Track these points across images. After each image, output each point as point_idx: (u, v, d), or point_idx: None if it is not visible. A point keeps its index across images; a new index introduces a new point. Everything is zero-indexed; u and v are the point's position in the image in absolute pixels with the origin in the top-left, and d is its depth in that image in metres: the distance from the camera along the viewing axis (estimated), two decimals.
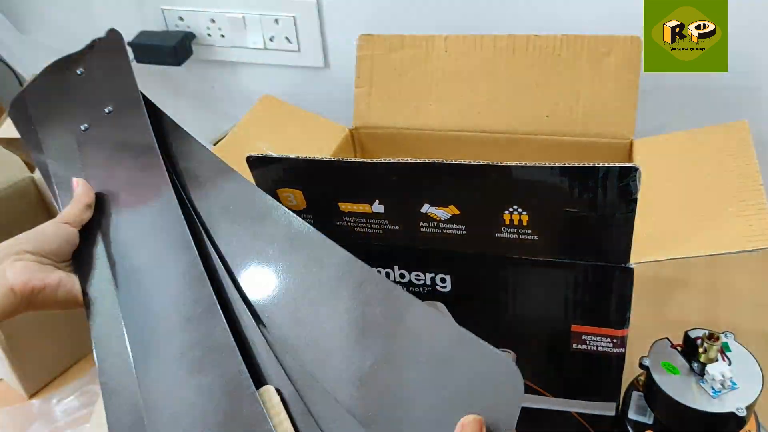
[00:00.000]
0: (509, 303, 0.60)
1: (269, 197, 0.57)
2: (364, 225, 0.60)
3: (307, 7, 0.97)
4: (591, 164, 0.53)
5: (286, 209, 0.55)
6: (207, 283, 0.52)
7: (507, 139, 0.74)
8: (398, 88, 0.76)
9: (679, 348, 0.63)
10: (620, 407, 0.66)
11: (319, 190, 0.60)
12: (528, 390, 0.66)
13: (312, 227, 0.54)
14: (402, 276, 0.61)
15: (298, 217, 0.54)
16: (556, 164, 0.53)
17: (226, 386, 0.47)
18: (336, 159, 0.58)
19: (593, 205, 0.53)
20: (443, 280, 0.60)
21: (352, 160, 0.58)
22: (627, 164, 0.53)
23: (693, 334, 0.62)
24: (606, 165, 0.52)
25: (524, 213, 0.55)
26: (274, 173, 0.60)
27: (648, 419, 0.64)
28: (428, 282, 0.61)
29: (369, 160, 0.56)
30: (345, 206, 0.59)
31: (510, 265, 0.58)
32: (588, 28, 0.72)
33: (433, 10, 0.91)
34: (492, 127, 0.74)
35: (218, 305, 0.51)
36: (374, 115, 0.77)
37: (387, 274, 0.62)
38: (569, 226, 0.55)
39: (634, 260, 0.56)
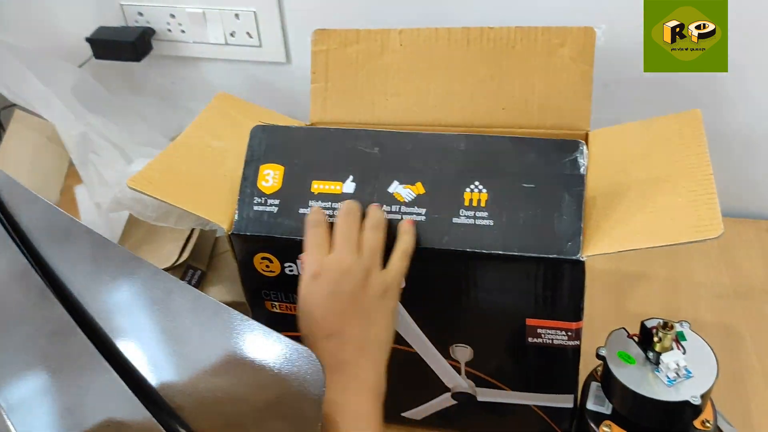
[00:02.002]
0: (464, 299, 0.60)
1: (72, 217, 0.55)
2: (327, 213, 0.60)
3: (267, 1, 0.96)
4: (543, 138, 0.59)
5: (88, 227, 0.53)
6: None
7: (464, 132, 0.73)
8: (354, 83, 0.76)
9: (635, 338, 0.63)
10: (579, 398, 0.67)
11: (299, 165, 0.62)
12: (487, 384, 0.66)
13: (115, 243, 0.54)
14: None
15: (101, 235, 0.53)
16: (516, 137, 0.59)
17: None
18: (334, 128, 0.63)
19: (546, 180, 0.57)
20: None
21: (346, 129, 0.63)
22: (571, 139, 0.58)
23: (649, 324, 0.63)
24: (554, 139, 0.58)
25: (484, 191, 0.58)
26: (264, 144, 0.64)
27: (606, 410, 0.64)
28: None
29: (357, 128, 0.63)
30: (318, 185, 0.61)
31: (464, 260, 0.57)
32: (544, 20, 0.72)
33: (394, 3, 0.90)
34: (448, 121, 0.74)
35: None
36: (331, 110, 0.76)
37: None
38: (524, 207, 0.57)
39: (586, 253, 0.56)
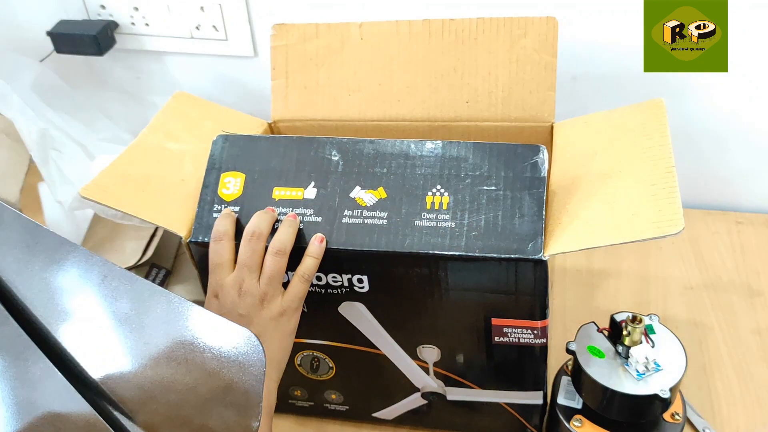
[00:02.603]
0: (429, 301, 0.59)
1: (2, 203, 0.54)
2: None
3: None
4: (504, 144, 0.59)
5: (18, 213, 0.51)
6: None
7: (427, 126, 0.72)
8: (315, 78, 0.74)
9: (605, 332, 0.63)
10: (550, 393, 0.66)
11: (260, 173, 0.61)
12: (456, 383, 0.66)
13: (47, 228, 0.52)
14: (319, 279, 0.60)
15: (32, 220, 0.51)
16: (477, 142, 0.59)
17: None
18: (297, 136, 0.63)
19: (507, 184, 0.57)
20: (360, 281, 0.59)
21: (309, 137, 0.63)
22: (532, 144, 0.59)
23: (618, 318, 0.62)
24: (515, 144, 0.59)
25: (446, 194, 0.57)
26: (226, 153, 0.63)
27: (577, 404, 0.64)
28: (345, 283, 0.59)
29: (317, 136, 0.62)
30: (279, 192, 0.60)
31: (427, 262, 0.57)
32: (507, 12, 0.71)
33: None
34: (412, 115, 0.72)
35: None
36: (292, 107, 0.75)
37: None
38: (485, 210, 0.56)
39: (547, 252, 0.55)
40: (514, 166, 0.58)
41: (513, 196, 0.57)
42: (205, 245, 0.60)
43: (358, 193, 0.59)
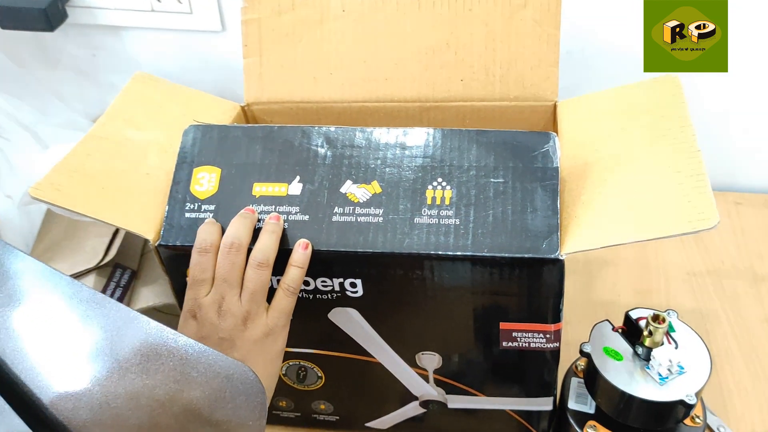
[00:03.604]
0: (430, 304, 0.53)
1: None
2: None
3: None
4: (511, 131, 0.53)
5: None
6: None
7: (419, 108, 0.66)
8: (292, 56, 0.67)
9: (620, 330, 0.58)
10: (559, 397, 0.61)
11: (238, 167, 0.55)
12: (458, 391, 0.60)
13: None
14: (307, 283, 0.53)
15: None
16: (481, 129, 0.53)
17: None
18: (278, 125, 0.56)
19: (516, 175, 0.51)
20: (353, 285, 0.53)
21: (292, 126, 0.56)
22: (542, 131, 0.53)
23: (634, 315, 0.57)
24: (523, 131, 0.53)
25: (449, 188, 0.52)
26: (199, 145, 0.56)
27: (589, 408, 0.59)
28: (337, 288, 0.53)
29: (301, 125, 0.56)
30: (260, 187, 0.54)
31: (428, 264, 0.51)
32: None
33: None
34: (401, 96, 0.66)
35: None
36: (268, 88, 0.67)
37: None
38: (493, 204, 0.51)
39: (564, 250, 0.49)
40: (523, 155, 0.52)
41: (523, 188, 0.51)
42: (177, 249, 0.53)
43: (349, 188, 0.53)
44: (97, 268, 0.66)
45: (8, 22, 0.92)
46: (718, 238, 0.85)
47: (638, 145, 0.55)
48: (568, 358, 0.61)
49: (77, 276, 0.66)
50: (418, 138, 0.54)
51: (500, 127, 0.65)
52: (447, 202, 0.51)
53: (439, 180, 0.52)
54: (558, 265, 0.49)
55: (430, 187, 0.52)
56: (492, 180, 0.52)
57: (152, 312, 0.67)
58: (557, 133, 0.61)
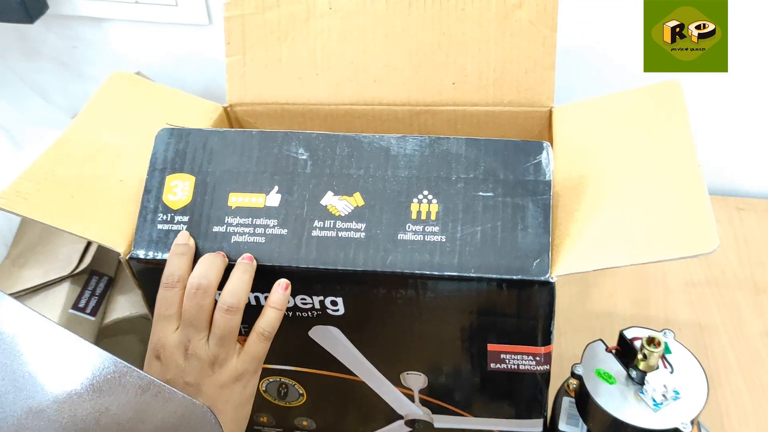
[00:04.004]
0: (415, 324, 0.51)
1: None
2: (246, 231, 0.50)
3: None
4: (501, 140, 0.50)
5: None
6: None
7: (408, 111, 0.63)
8: (277, 55, 0.64)
9: (614, 351, 0.55)
10: (549, 417, 0.59)
11: (213, 175, 0.52)
12: (444, 411, 0.58)
13: None
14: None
15: None
16: (471, 138, 0.50)
17: None
18: (256, 130, 0.53)
19: (506, 188, 0.48)
20: (334, 303, 0.50)
21: (270, 131, 0.53)
22: (534, 141, 0.49)
23: (629, 334, 0.55)
24: (515, 140, 0.50)
25: (435, 201, 0.49)
26: (172, 150, 0.53)
27: (581, 430, 0.57)
28: (317, 306, 0.50)
29: (281, 131, 0.52)
30: (236, 198, 0.51)
31: (412, 283, 0.48)
32: None
33: None
34: (390, 99, 0.63)
35: None
36: (251, 89, 0.65)
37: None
38: (481, 220, 0.48)
39: (555, 272, 0.46)
40: (515, 166, 0.49)
41: (514, 203, 0.48)
42: (149, 262, 0.51)
43: (330, 200, 0.50)
44: (72, 276, 0.64)
45: None
46: (719, 246, 0.82)
47: (636, 157, 0.52)
48: (560, 371, 0.58)
49: (51, 284, 0.63)
50: (404, 146, 0.51)
51: (493, 133, 0.63)
52: (433, 217, 0.49)
53: (425, 193, 0.49)
54: (548, 287, 0.46)
55: (415, 200, 0.49)
56: (481, 194, 0.49)
57: (130, 321, 0.65)
58: (552, 140, 0.59)
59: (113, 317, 0.64)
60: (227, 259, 0.49)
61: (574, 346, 0.67)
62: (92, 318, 0.63)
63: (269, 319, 0.48)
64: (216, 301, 0.48)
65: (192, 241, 0.50)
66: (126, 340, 0.66)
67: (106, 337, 0.64)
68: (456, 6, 0.61)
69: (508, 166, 0.49)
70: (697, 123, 0.52)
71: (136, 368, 0.39)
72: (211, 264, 0.48)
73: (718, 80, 0.79)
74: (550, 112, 0.61)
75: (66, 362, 0.40)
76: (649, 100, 0.56)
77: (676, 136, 0.52)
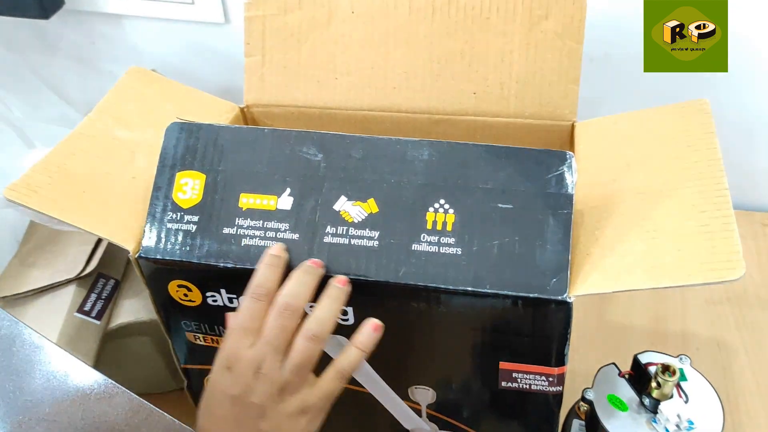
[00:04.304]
0: (426, 338, 0.50)
1: None
2: (257, 234, 0.49)
3: None
4: (524, 148, 0.48)
5: None
6: None
7: (427, 120, 0.62)
8: (297, 57, 0.63)
9: (627, 376, 0.54)
10: None
11: (224, 173, 0.50)
12: (452, 428, 0.56)
13: None
14: None
15: None
16: (491, 145, 0.48)
17: None
18: (269, 128, 0.52)
19: (526, 200, 0.47)
20: (344, 313, 0.49)
21: (284, 129, 0.51)
22: (558, 150, 0.48)
23: (644, 359, 0.53)
24: (537, 150, 0.48)
25: (451, 211, 0.47)
26: (182, 147, 0.51)
27: None
28: None
29: (294, 130, 0.51)
30: (247, 199, 0.49)
31: (425, 296, 0.47)
32: None
33: None
34: (409, 106, 0.62)
35: None
36: (269, 90, 0.64)
37: None
38: (499, 233, 0.46)
39: (573, 291, 0.45)
40: (536, 177, 0.48)
41: (533, 216, 0.47)
42: (158, 262, 0.50)
43: (343, 206, 0.49)
44: (78, 279, 0.63)
45: (2, 9, 0.88)
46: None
47: (661, 178, 0.51)
48: (573, 387, 0.56)
49: (57, 286, 0.62)
50: (421, 151, 0.49)
51: (513, 146, 0.62)
52: (449, 227, 0.47)
53: (442, 202, 0.48)
54: (565, 307, 0.45)
55: (431, 209, 0.48)
56: (499, 205, 0.47)
57: (139, 324, 0.64)
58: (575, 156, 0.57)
59: (119, 321, 0.63)
60: (323, 270, 0.47)
61: (588, 361, 0.66)
62: (97, 322, 0.62)
63: (351, 359, 0.46)
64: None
65: (286, 254, 0.47)
66: (136, 342, 0.65)
67: (113, 339, 0.63)
68: (480, 15, 0.59)
69: (529, 176, 0.48)
70: (723, 136, 0.51)
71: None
72: (302, 283, 0.46)
73: (745, 91, 0.78)
74: (573, 126, 0.59)
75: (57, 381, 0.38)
76: (676, 119, 0.55)
77: (703, 158, 0.51)
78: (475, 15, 0.59)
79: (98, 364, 0.62)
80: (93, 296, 0.63)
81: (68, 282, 0.63)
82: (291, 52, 0.63)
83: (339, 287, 0.46)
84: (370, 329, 0.46)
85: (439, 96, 0.61)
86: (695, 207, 0.47)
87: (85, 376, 0.40)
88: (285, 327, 0.45)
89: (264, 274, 0.47)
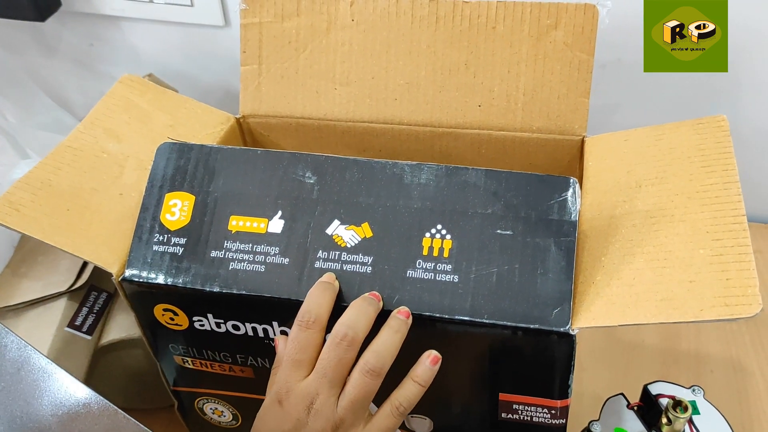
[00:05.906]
0: None
1: None
2: (245, 258, 0.47)
3: None
4: (525, 173, 0.46)
5: None
6: None
7: (430, 133, 0.59)
8: (294, 66, 0.60)
9: (636, 407, 0.51)
10: None
11: (214, 195, 0.49)
12: None
13: None
14: (285, 333, 0.47)
15: None
16: (490, 170, 0.46)
17: None
18: (261, 150, 0.50)
19: (527, 227, 0.44)
20: None
21: (276, 151, 0.50)
22: (561, 176, 0.46)
23: (654, 390, 0.50)
24: (539, 174, 0.46)
25: (449, 237, 0.45)
26: (172, 167, 0.50)
27: None
28: None
29: (288, 151, 0.50)
30: (237, 222, 0.47)
31: (421, 324, 0.44)
32: None
33: None
34: (411, 118, 0.59)
35: None
36: (266, 100, 0.61)
37: (265, 331, 0.48)
38: (498, 261, 0.44)
39: (576, 324, 0.42)
40: (537, 203, 0.45)
41: (534, 244, 0.44)
42: (142, 285, 0.48)
43: (336, 230, 0.46)
44: (70, 292, 0.61)
45: None
46: (761, 279, 0.77)
47: (674, 200, 0.48)
48: (581, 410, 0.54)
49: (48, 299, 0.61)
50: (419, 175, 0.47)
51: (519, 161, 0.59)
52: (446, 254, 0.45)
53: (439, 227, 0.46)
54: (568, 339, 0.43)
55: (427, 234, 0.46)
56: (499, 231, 0.45)
57: (129, 341, 0.62)
58: (583, 173, 0.55)
59: (110, 337, 0.61)
60: (381, 303, 0.44)
61: (596, 382, 0.63)
62: (88, 337, 0.60)
63: (408, 394, 0.43)
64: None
65: (337, 283, 0.45)
66: (129, 356, 0.63)
67: (105, 354, 0.62)
68: (486, 24, 0.57)
69: (531, 202, 0.45)
70: (738, 144, 0.49)
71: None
72: (361, 312, 0.43)
73: (760, 101, 0.75)
74: (582, 141, 0.57)
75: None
76: (691, 136, 0.52)
77: (720, 180, 0.48)
78: (480, 24, 0.57)
79: (90, 379, 0.61)
80: (84, 310, 0.61)
81: (59, 295, 0.61)
82: (289, 61, 0.60)
83: (401, 319, 0.43)
84: (429, 363, 0.43)
85: (443, 108, 0.58)
86: (709, 234, 0.44)
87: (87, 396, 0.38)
88: (342, 359, 0.42)
89: (313, 299, 0.44)
